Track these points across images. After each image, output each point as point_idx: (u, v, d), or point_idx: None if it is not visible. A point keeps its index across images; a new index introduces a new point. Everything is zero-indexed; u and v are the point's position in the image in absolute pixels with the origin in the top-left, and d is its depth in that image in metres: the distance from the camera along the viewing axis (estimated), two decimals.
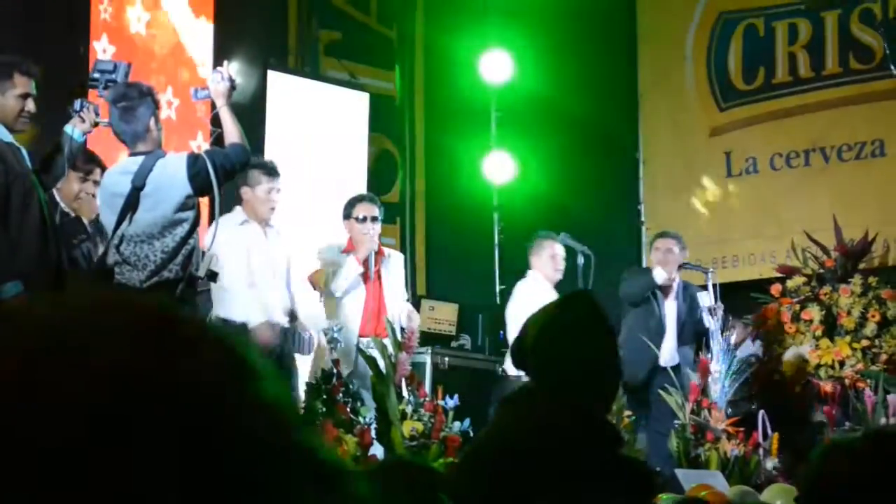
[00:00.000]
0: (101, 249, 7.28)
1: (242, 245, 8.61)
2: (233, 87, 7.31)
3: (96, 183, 7.60)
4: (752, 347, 11.07)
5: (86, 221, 7.88)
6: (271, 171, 8.80)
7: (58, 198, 7.71)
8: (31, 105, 6.78)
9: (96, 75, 7.18)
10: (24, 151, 6.76)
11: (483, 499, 3.29)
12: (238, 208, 8.80)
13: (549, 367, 3.54)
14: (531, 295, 10.05)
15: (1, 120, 6.71)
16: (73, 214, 7.83)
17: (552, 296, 10.07)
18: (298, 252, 9.45)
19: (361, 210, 9.32)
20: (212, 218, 7.27)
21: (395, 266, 9.53)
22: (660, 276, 10.52)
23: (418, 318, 9.42)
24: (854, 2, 12.16)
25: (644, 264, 12.74)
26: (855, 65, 12.11)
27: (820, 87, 12.29)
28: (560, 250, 10.38)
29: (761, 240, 12.33)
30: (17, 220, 6.58)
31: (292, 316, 8.94)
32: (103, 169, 7.72)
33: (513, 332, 10.14)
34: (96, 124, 7.23)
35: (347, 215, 9.36)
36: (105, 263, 6.98)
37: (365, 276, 9.20)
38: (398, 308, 9.36)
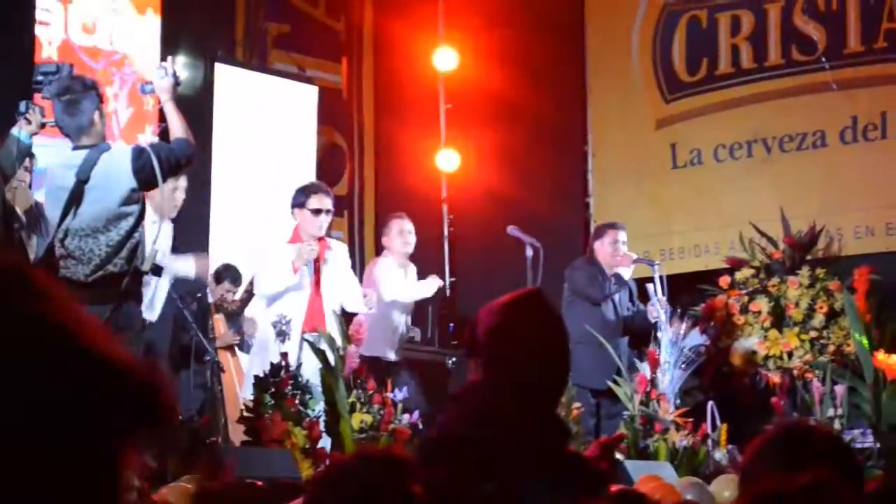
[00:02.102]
0: (34, 240, 7.24)
1: None
2: (177, 82, 7.29)
3: (27, 169, 7.55)
4: (699, 338, 11.09)
5: (19, 211, 7.82)
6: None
7: None
8: None
9: (39, 77, 7.12)
10: None
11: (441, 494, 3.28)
12: None
13: (498, 363, 3.54)
14: (383, 271, 10.40)
15: None
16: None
17: (400, 272, 10.41)
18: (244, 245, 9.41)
19: (316, 202, 9.19)
20: (142, 215, 7.19)
21: (338, 258, 9.40)
22: (626, 274, 10.61)
23: (374, 297, 9.38)
24: None
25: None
26: (797, 56, 12.15)
27: (762, 79, 12.31)
28: (408, 226, 10.57)
29: (706, 231, 12.35)
30: None
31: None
32: (31, 157, 7.68)
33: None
34: (43, 125, 7.19)
35: (300, 204, 9.20)
36: (49, 256, 6.93)
37: (315, 271, 9.10)
38: (349, 295, 9.28)
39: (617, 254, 10.56)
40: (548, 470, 3.30)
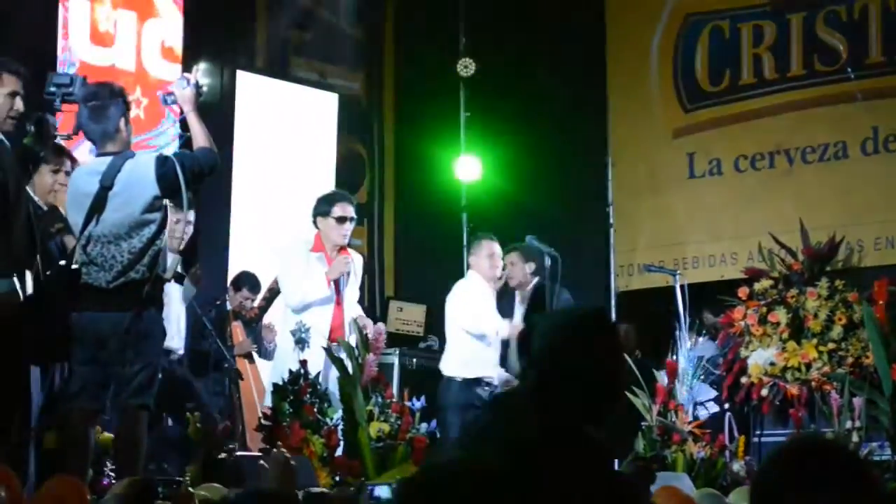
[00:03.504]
0: (72, 242, 7.25)
1: None
2: (199, 92, 7.29)
3: (67, 174, 7.56)
4: (713, 348, 11.07)
5: (62, 211, 7.83)
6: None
7: (31, 192, 7.67)
8: (19, 104, 6.75)
9: (53, 89, 7.07)
10: (9, 148, 6.73)
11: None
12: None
13: (551, 379, 3.52)
14: (468, 294, 10.06)
15: None
16: (45, 208, 7.77)
17: (489, 294, 10.10)
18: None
19: (340, 210, 9.15)
20: (164, 223, 7.19)
21: (357, 269, 9.35)
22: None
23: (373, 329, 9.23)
24: (819, 4, 12.19)
25: (612, 268, 12.77)
26: (819, 67, 12.14)
27: (784, 90, 12.29)
28: (497, 249, 10.28)
29: (722, 241, 12.34)
30: (11, 218, 6.58)
31: None
32: (73, 160, 7.70)
33: (451, 332, 10.15)
34: (55, 137, 7.19)
35: (325, 213, 9.13)
36: (72, 263, 6.94)
37: (336, 281, 9.07)
38: (357, 310, 9.27)
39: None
40: (569, 489, 3.29)
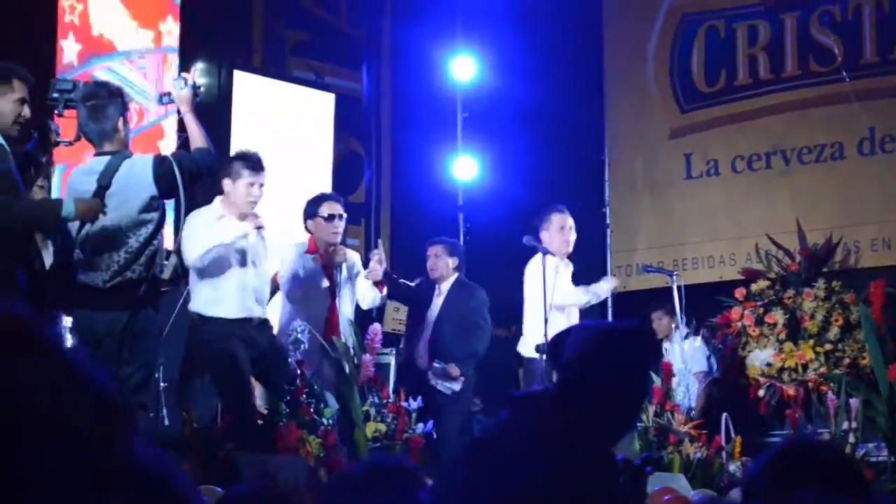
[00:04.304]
0: (50, 248, 7.27)
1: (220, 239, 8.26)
2: (196, 93, 7.29)
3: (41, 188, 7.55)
4: (704, 349, 11.10)
5: None
6: (255, 165, 8.43)
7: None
8: (26, 111, 6.75)
9: (55, 95, 7.08)
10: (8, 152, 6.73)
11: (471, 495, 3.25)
12: (217, 200, 8.49)
13: (577, 388, 3.51)
14: (538, 270, 9.63)
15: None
16: None
17: (561, 268, 9.87)
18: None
19: (327, 208, 9.18)
20: (177, 222, 7.22)
21: (353, 266, 9.34)
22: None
23: (380, 256, 9.30)
24: (813, 4, 12.19)
25: (609, 268, 12.77)
26: (815, 67, 12.15)
27: (780, 90, 12.32)
28: (569, 222, 10.04)
29: (720, 242, 12.35)
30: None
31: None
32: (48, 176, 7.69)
33: (529, 311, 9.96)
34: (56, 144, 7.19)
35: (312, 214, 9.19)
36: (69, 263, 6.95)
37: (331, 280, 9.09)
38: (364, 293, 9.27)
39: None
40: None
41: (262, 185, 8.45)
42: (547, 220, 10.05)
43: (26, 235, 6.77)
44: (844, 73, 11.80)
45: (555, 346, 3.62)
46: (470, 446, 3.57)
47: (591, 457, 3.35)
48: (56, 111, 7.10)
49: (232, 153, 9.07)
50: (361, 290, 9.28)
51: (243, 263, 8.25)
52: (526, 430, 3.37)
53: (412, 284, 10.65)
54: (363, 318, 9.60)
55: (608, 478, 3.42)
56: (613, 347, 3.56)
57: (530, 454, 3.24)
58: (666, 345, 10.71)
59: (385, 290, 9.38)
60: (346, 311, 9.07)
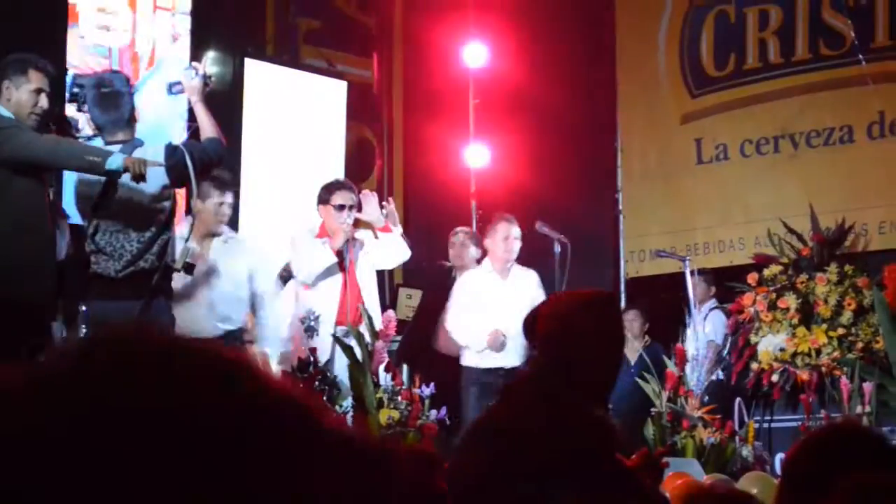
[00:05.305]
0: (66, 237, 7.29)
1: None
2: (206, 83, 7.30)
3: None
4: (722, 322, 11.14)
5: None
6: (223, 185, 8.51)
7: None
8: (44, 101, 6.77)
9: (76, 90, 7.11)
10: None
11: (480, 481, 3.27)
12: (185, 221, 8.52)
13: (553, 352, 3.54)
14: (474, 276, 10.06)
15: (15, 114, 6.70)
16: None
17: (496, 279, 10.05)
18: (269, 247, 9.39)
19: (339, 198, 9.18)
20: (188, 210, 7.26)
21: (366, 252, 9.35)
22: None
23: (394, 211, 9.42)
24: None
25: (621, 254, 12.78)
26: (825, 51, 12.12)
27: (790, 74, 12.29)
28: (515, 232, 10.08)
29: (731, 227, 12.35)
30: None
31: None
32: None
33: (452, 314, 10.10)
34: (76, 138, 7.20)
35: (325, 201, 9.18)
36: (82, 252, 6.98)
37: (340, 266, 9.11)
38: (382, 251, 9.32)
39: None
40: (580, 473, 3.29)
41: (230, 205, 8.64)
42: (493, 228, 10.13)
43: (51, 218, 6.78)
44: (861, 56, 11.77)
45: (531, 324, 3.65)
46: (471, 430, 3.60)
47: (584, 419, 3.39)
48: (77, 107, 7.12)
49: (244, 142, 9.10)
50: (381, 251, 9.28)
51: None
52: (520, 404, 3.41)
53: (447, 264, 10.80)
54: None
55: (604, 436, 3.46)
56: (591, 314, 3.61)
57: (528, 426, 3.27)
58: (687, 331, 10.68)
59: (405, 238, 9.39)
60: (361, 294, 9.08)
